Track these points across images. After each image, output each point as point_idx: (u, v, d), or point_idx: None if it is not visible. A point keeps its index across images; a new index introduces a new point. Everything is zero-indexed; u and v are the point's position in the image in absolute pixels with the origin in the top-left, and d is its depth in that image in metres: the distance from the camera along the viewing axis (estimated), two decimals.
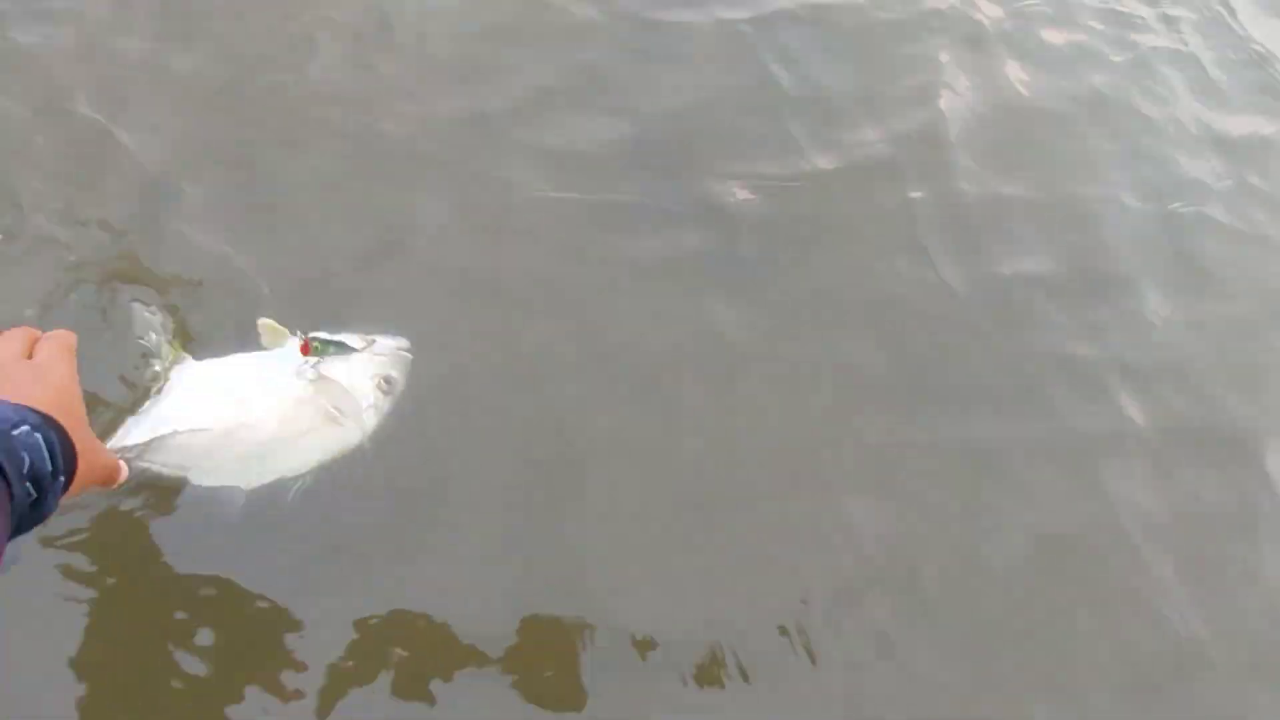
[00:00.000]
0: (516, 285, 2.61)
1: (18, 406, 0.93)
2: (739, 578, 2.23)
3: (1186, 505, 2.61)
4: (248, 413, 1.85)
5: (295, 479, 1.84)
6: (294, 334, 1.95)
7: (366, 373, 1.94)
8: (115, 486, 1.12)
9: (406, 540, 2.08)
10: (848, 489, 2.41)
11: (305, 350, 1.91)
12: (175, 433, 1.78)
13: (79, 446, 0.98)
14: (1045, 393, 2.74)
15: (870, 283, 2.90)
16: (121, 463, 1.12)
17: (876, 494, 2.42)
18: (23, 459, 0.87)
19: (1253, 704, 2.30)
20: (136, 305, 2.04)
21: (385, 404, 1.95)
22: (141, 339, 1.97)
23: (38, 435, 0.91)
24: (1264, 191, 3.65)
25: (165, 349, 1.93)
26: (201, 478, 1.80)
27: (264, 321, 1.96)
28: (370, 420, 1.93)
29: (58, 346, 1.09)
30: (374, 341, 1.99)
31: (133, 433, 1.78)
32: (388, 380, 1.95)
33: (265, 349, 1.95)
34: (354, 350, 1.94)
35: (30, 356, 1.07)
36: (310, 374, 1.90)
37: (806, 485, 2.41)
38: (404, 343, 2.01)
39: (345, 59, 3.02)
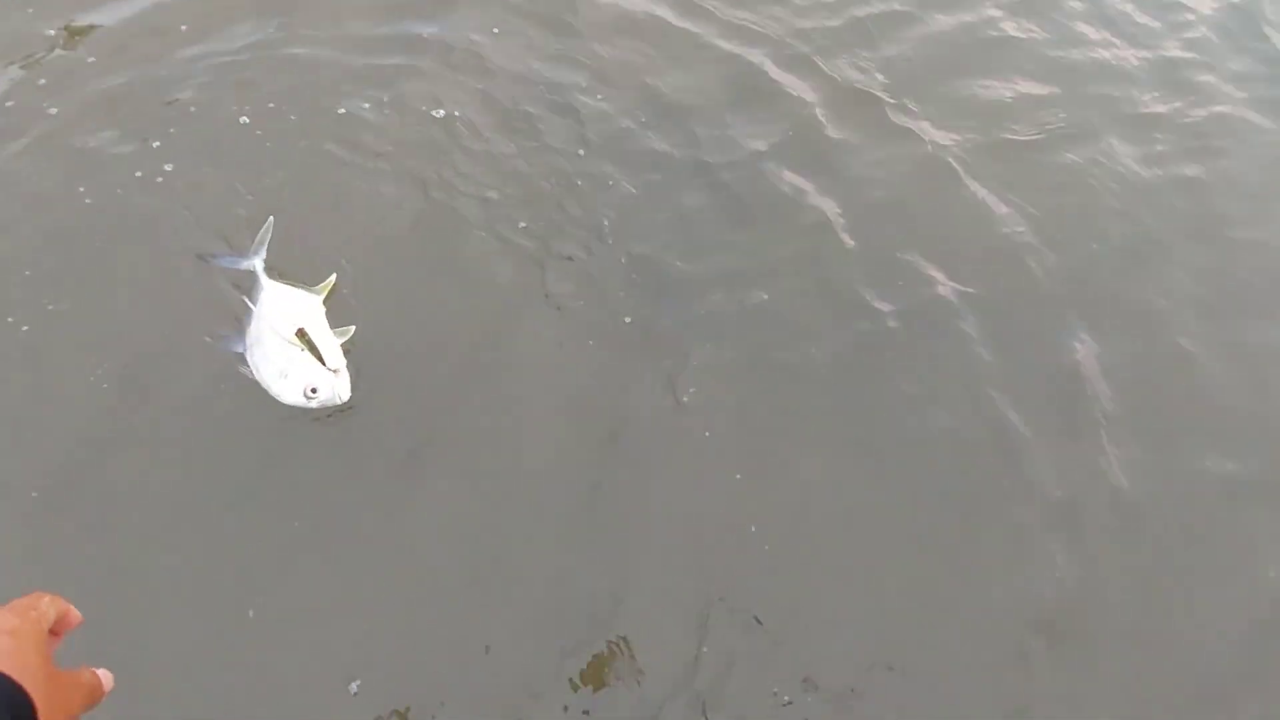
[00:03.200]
0: None
1: None
2: None
3: None
4: (274, 326, 2.83)
5: (252, 376, 2.78)
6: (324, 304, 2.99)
7: (310, 373, 2.73)
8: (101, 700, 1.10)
9: None
10: None
11: (298, 333, 2.79)
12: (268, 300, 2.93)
13: (33, 692, 0.95)
14: None
15: None
16: (104, 678, 1.10)
17: None
18: None
19: None
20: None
21: (300, 399, 2.71)
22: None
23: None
24: None
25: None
26: (247, 322, 2.90)
27: (333, 278, 3.05)
28: (285, 397, 2.73)
29: (25, 598, 1.08)
30: (338, 372, 2.76)
31: (268, 285, 2.99)
32: (313, 390, 2.70)
33: (312, 287, 3.01)
34: (320, 364, 2.75)
35: None
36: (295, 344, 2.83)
37: None
38: (346, 394, 2.75)
39: None
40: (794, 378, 3.32)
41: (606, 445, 3.04)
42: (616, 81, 4.21)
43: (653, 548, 2.82)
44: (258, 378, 2.78)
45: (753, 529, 2.90)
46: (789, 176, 3.97)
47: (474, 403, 3.07)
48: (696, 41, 4.45)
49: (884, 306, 3.58)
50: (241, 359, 2.83)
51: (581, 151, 3.92)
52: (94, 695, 1.08)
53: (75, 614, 1.12)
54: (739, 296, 3.54)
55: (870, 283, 3.66)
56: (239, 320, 2.98)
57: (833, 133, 4.19)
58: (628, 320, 3.39)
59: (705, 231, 3.74)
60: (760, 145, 4.08)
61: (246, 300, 2.93)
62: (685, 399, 3.18)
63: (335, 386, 2.73)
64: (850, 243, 3.78)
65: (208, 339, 2.99)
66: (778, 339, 3.43)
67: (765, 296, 3.55)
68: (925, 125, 4.33)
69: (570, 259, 3.54)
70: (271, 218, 3.07)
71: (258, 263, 3.01)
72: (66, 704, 1.01)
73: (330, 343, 2.82)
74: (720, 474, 3.02)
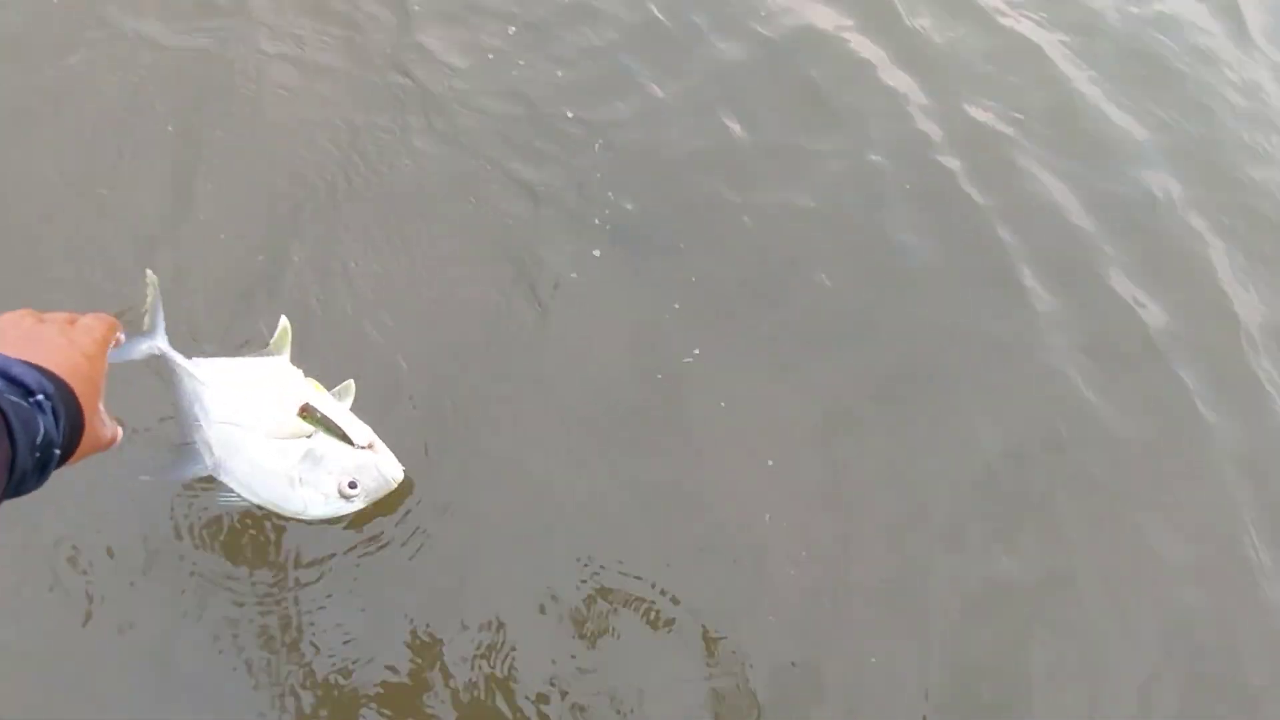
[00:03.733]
0: None
1: (41, 374, 0.97)
2: None
3: None
4: (249, 420, 1.87)
5: (236, 496, 1.88)
6: (306, 376, 1.97)
7: (342, 465, 1.83)
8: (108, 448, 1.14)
9: None
10: None
11: (302, 412, 1.85)
12: (214, 392, 1.89)
13: (88, 418, 1.04)
14: None
15: None
16: (120, 431, 1.15)
17: None
18: (38, 428, 0.91)
19: None
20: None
21: (337, 504, 1.84)
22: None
23: (51, 405, 0.95)
24: None
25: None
26: (200, 436, 1.89)
27: (285, 322, 2.01)
28: (315, 508, 1.85)
29: (96, 320, 1.16)
30: (374, 447, 1.89)
31: (204, 367, 1.92)
32: (352, 485, 1.83)
33: (268, 346, 2.02)
34: (348, 443, 1.86)
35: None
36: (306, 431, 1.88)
37: None
38: (398, 473, 1.88)
39: None
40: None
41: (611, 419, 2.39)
42: None
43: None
44: (256, 500, 1.87)
45: (767, 517, 2.31)
46: None
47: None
48: None
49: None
50: (220, 486, 1.88)
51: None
52: (112, 442, 1.13)
53: (122, 337, 1.23)
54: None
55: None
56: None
57: None
58: (597, 253, 2.68)
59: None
60: None
61: (190, 405, 1.94)
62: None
63: (380, 469, 1.85)
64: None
65: (145, 478, 1.99)
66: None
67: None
68: None
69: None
70: (151, 272, 2.03)
71: (160, 342, 1.99)
72: (98, 440, 1.08)
73: (342, 412, 1.92)
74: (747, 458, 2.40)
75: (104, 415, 1.10)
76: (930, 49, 3.47)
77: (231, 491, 1.88)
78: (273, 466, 1.84)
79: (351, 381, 2.01)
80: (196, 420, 1.91)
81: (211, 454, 1.88)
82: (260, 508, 1.89)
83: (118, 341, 1.20)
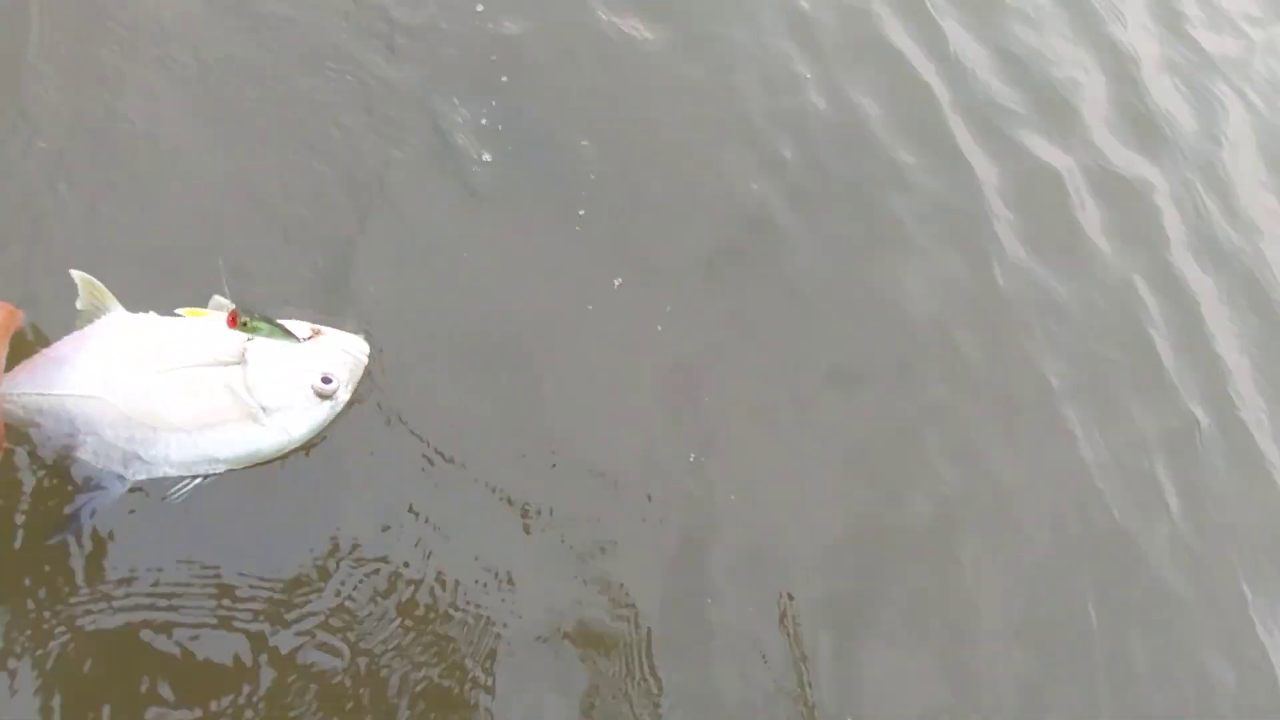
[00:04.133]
0: None
1: None
2: None
3: None
4: (156, 389, 1.50)
5: (189, 478, 1.51)
6: (215, 304, 1.60)
7: (302, 364, 1.54)
8: None
9: None
10: None
11: (232, 323, 1.49)
12: (69, 395, 1.47)
13: None
14: None
15: None
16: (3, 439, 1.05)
17: None
18: None
19: None
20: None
21: (320, 409, 1.56)
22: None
23: None
24: None
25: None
26: (87, 455, 1.48)
27: (79, 275, 1.57)
28: (299, 427, 1.55)
29: None
30: (321, 332, 1.61)
31: (22, 380, 1.47)
32: (326, 379, 1.54)
33: (80, 310, 1.57)
34: (293, 337, 1.53)
35: None
36: (235, 355, 1.54)
37: None
38: (364, 345, 1.62)
39: None
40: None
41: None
42: None
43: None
44: (221, 469, 1.53)
45: (691, 457, 2.08)
46: None
47: None
48: None
49: None
50: (162, 485, 1.49)
51: None
52: None
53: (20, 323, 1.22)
54: None
55: None
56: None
57: None
58: (488, 156, 2.29)
59: None
60: None
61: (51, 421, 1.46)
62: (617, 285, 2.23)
63: (346, 348, 1.60)
64: None
65: (53, 540, 1.50)
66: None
67: None
68: None
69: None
70: None
71: None
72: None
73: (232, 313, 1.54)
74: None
75: None
76: None
77: (177, 480, 1.49)
78: (221, 418, 1.50)
79: (218, 295, 1.62)
80: (71, 437, 1.46)
81: (119, 460, 1.46)
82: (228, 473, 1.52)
83: (17, 327, 1.22)
